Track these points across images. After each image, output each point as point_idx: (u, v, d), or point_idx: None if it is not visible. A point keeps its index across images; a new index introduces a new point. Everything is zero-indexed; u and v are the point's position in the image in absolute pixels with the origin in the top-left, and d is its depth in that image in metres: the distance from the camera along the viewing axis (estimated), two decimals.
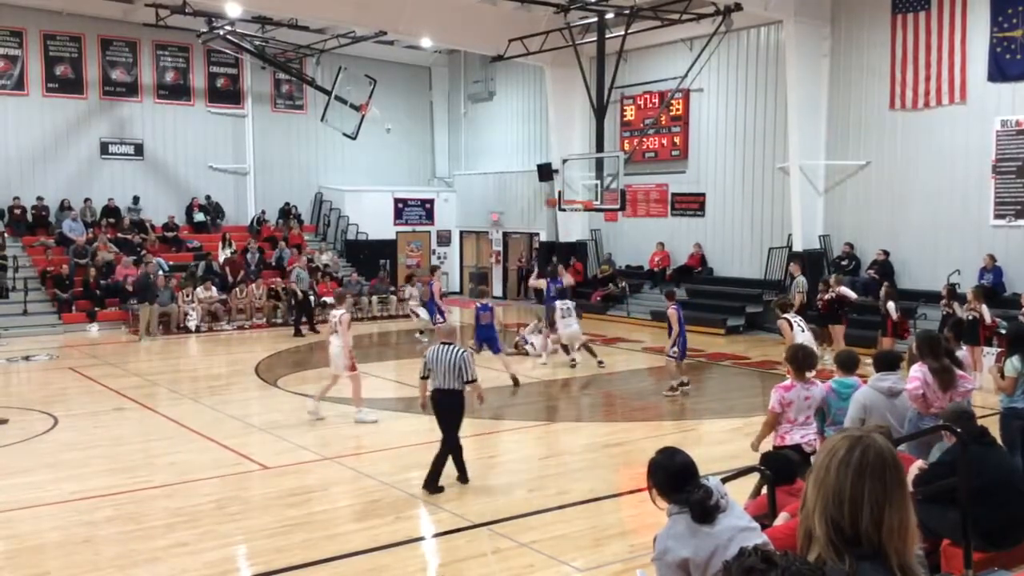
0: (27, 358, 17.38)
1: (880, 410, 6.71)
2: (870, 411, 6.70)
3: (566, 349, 16.58)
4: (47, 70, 24.09)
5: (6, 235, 22.75)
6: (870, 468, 2.08)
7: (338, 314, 12.08)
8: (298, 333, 20.53)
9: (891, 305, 15.26)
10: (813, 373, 7.34)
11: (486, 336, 14.91)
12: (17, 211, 23.39)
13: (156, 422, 12.11)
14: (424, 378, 8.98)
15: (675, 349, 13.47)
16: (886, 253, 18.51)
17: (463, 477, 9.01)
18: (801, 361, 7.18)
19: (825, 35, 19.64)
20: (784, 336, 12.37)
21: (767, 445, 7.12)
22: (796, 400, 6.99)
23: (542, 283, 17.74)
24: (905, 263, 18.50)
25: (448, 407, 8.92)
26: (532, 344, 17.31)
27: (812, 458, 5.32)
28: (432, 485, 8.75)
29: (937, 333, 8.32)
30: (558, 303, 16.22)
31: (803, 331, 12.15)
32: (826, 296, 16.05)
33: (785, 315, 12.46)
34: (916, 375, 6.80)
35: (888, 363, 7.07)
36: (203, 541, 7.47)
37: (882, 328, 15.50)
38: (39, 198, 23.76)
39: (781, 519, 5.16)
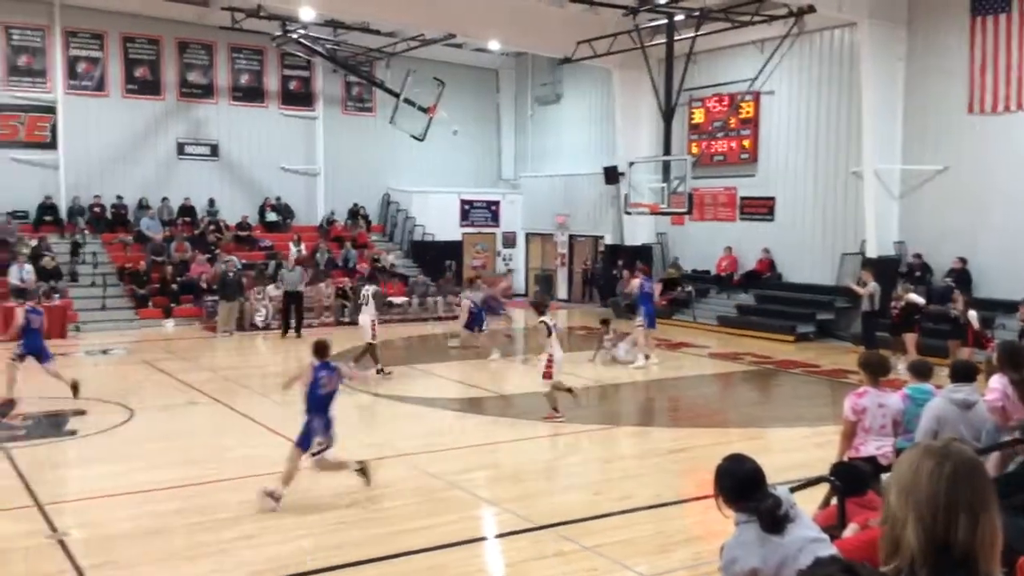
0: (105, 352, 17.90)
1: (953, 422, 6.51)
2: (943, 423, 6.51)
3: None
4: (127, 72, 24.81)
5: (87, 232, 23.51)
6: (962, 475, 2.09)
7: None
8: (286, 334, 20.29)
9: (972, 314, 14.84)
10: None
11: None
12: (97, 209, 24.12)
13: (226, 416, 12.36)
14: None
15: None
16: (963, 261, 17.96)
17: None
18: (875, 367, 6.99)
19: (901, 37, 19.16)
20: (542, 339, 11.97)
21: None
22: (870, 407, 6.78)
23: (636, 283, 17.13)
24: (984, 271, 17.92)
25: None
26: (618, 350, 16.74)
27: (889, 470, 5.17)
28: None
29: (1019, 344, 8.05)
30: (362, 289, 15.90)
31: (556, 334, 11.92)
32: (899, 305, 15.73)
33: (543, 317, 12.01)
34: (996, 386, 6.58)
35: (964, 374, 6.85)
36: (268, 534, 7.59)
37: (962, 338, 15.09)
38: (118, 197, 24.47)
39: (850, 531, 5.04)
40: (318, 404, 8.52)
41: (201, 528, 7.77)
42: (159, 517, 8.08)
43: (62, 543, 7.26)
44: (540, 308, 12.40)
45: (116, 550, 7.28)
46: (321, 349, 8.75)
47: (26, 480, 9.03)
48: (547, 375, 11.83)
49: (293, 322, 20.57)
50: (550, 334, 11.81)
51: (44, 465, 9.72)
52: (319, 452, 8.48)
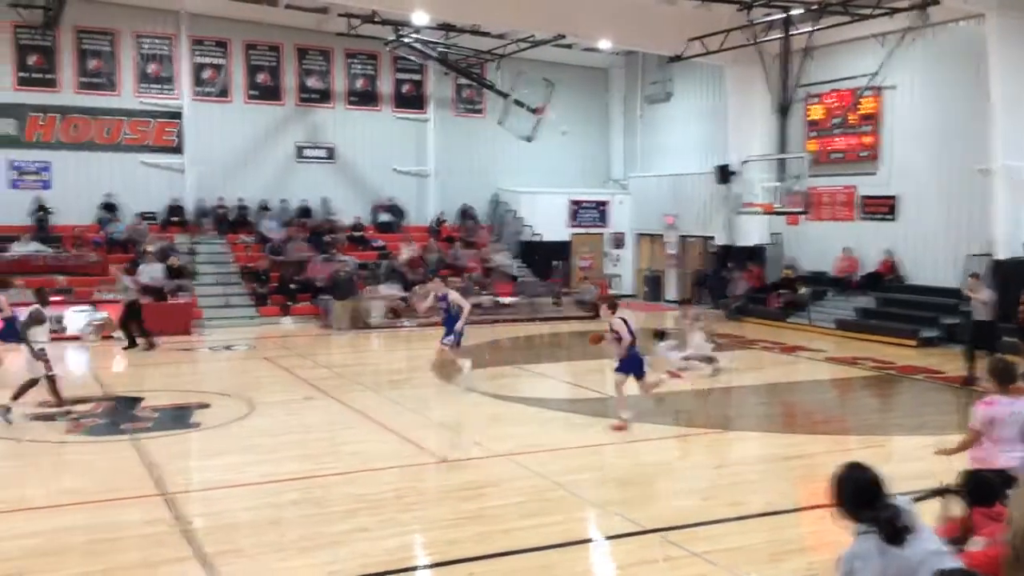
0: (228, 347, 18.61)
1: None
2: None
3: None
4: (249, 78, 25.75)
5: (212, 233, 24.51)
6: None
7: None
8: (132, 344, 17.98)
9: None
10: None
11: None
12: (221, 211, 25.12)
13: (342, 412, 12.69)
14: None
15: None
16: None
17: None
18: (1001, 374, 6.66)
19: None
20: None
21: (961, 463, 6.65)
22: (1002, 417, 6.45)
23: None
24: None
25: None
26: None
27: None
28: None
29: None
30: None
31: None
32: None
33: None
34: None
35: None
36: (383, 528, 7.74)
37: None
38: (240, 199, 25.43)
39: (977, 545, 4.82)
40: None
41: (317, 520, 7.99)
42: (277, 508, 8.35)
43: (184, 531, 7.58)
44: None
45: (237, 539, 7.55)
46: None
47: (151, 470, 9.47)
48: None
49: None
50: None
51: (169, 456, 10.16)
52: None
